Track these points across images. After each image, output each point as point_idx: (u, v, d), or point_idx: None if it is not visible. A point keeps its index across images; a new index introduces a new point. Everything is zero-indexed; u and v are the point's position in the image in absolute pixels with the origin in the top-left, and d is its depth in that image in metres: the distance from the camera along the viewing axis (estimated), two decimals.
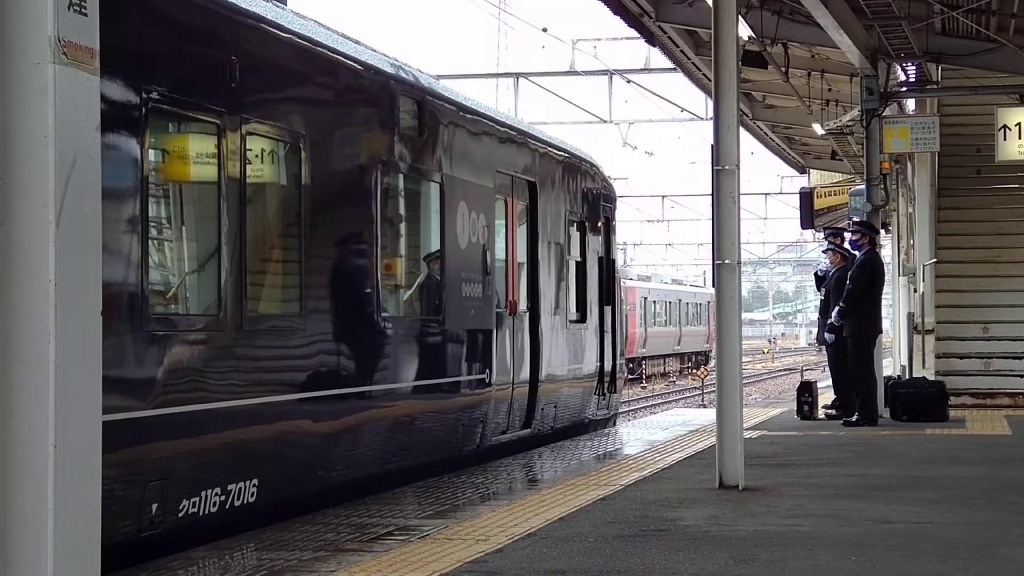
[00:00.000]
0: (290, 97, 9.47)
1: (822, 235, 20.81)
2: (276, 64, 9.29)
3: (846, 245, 17.26)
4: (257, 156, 9.03)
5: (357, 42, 10.98)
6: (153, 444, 7.74)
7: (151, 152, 7.84)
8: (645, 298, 57.00)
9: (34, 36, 3.97)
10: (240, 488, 8.55)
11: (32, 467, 3.95)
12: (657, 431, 15.68)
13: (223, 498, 8.37)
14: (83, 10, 4.07)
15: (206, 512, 8.19)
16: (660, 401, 40.07)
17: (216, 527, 8.21)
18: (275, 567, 7.16)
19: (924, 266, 20.70)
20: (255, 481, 8.70)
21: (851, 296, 16.09)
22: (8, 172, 3.99)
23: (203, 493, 8.17)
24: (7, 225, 3.97)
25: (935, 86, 20.01)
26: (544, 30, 31.65)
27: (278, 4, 9.76)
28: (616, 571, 6.98)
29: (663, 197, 65.99)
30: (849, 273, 16.33)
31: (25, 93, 3.98)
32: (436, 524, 8.58)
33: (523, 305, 14.00)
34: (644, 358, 55.25)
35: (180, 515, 7.96)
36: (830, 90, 23.65)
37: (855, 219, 18.90)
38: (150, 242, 7.79)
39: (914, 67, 19.51)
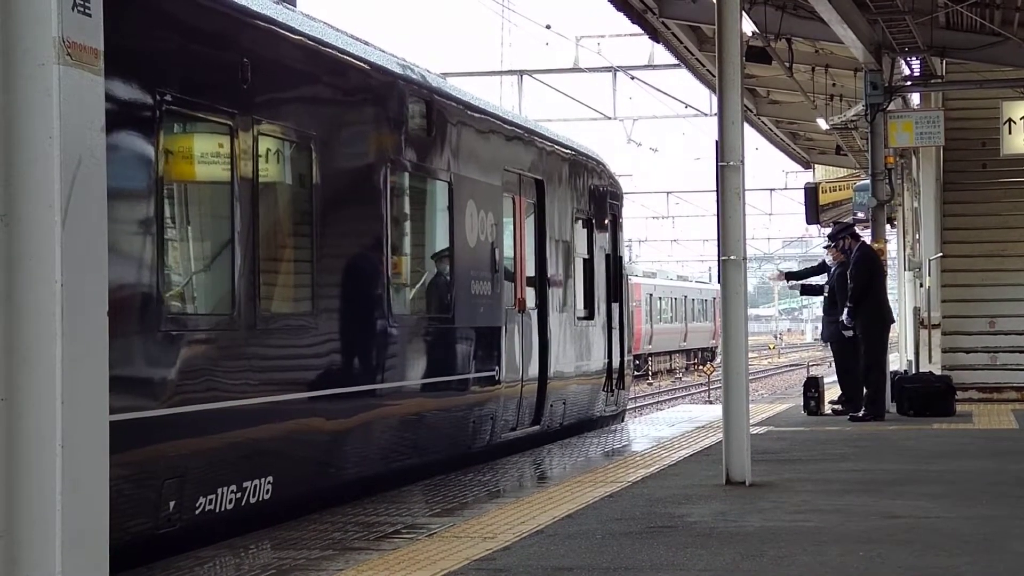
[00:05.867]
0: (301, 98, 9.52)
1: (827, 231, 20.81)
2: (287, 65, 9.34)
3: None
4: (269, 156, 9.08)
5: (366, 43, 11.04)
6: (170, 442, 7.81)
7: (165, 153, 7.89)
8: (651, 295, 56.99)
9: (38, 37, 3.97)
10: (255, 485, 8.60)
11: (40, 467, 3.95)
12: (664, 428, 15.68)
13: (239, 495, 8.43)
14: (87, 11, 4.07)
15: (222, 509, 8.25)
16: (667, 398, 40.07)
17: (232, 524, 8.27)
18: (283, 566, 7.17)
19: (930, 261, 20.67)
20: (270, 478, 8.76)
21: (855, 295, 16.08)
22: (14, 173, 3.99)
23: (219, 491, 8.23)
24: (13, 226, 3.97)
25: (939, 80, 19.99)
26: (548, 27, 31.58)
27: (288, 6, 9.81)
28: (623, 568, 6.98)
29: (668, 193, 66.01)
30: (848, 273, 16.32)
31: (30, 94, 3.98)
32: (443, 522, 8.59)
33: (531, 302, 14.01)
34: (650, 354, 55.26)
35: (196, 512, 8.02)
36: (834, 85, 23.62)
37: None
38: (166, 243, 7.87)
39: (918, 61, 19.51)
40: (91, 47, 4.08)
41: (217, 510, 8.21)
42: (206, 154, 8.66)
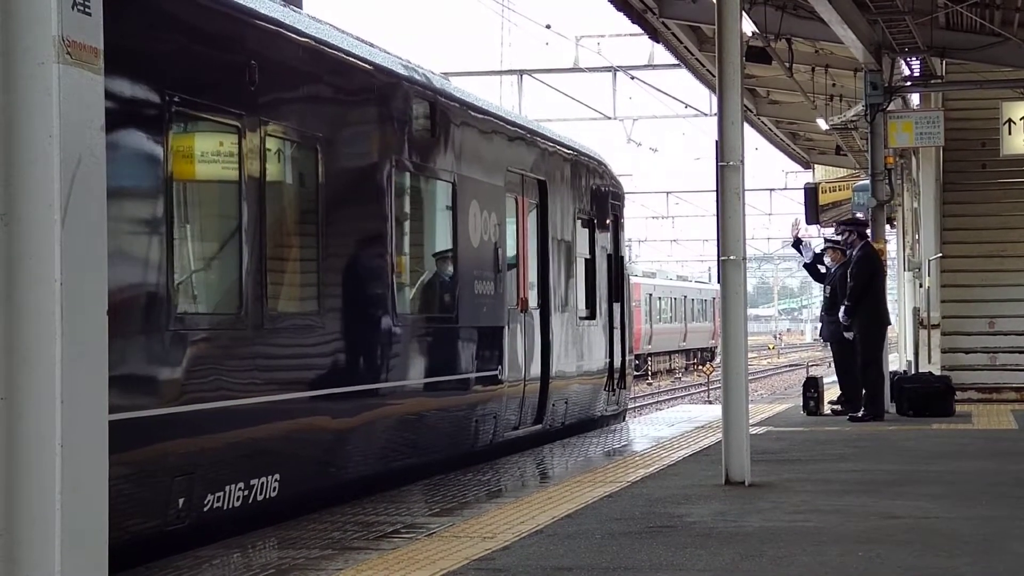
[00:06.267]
0: (307, 99, 9.58)
1: (831, 231, 20.77)
2: (293, 67, 9.40)
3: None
4: (275, 157, 9.14)
5: (371, 44, 11.09)
6: (179, 440, 7.86)
7: (175, 154, 7.94)
8: (650, 295, 56.98)
9: (38, 36, 3.97)
10: (263, 483, 8.65)
11: (39, 467, 3.95)
12: (663, 427, 15.68)
13: (246, 493, 8.48)
14: (87, 10, 4.07)
15: (230, 506, 8.31)
16: (667, 397, 40.07)
17: (239, 521, 8.32)
18: (282, 565, 7.17)
19: (929, 261, 20.67)
20: (277, 476, 8.80)
21: (854, 293, 16.07)
22: (14, 173, 3.99)
23: (227, 488, 8.28)
24: (13, 226, 3.97)
25: (939, 80, 19.98)
26: (548, 27, 31.57)
27: (294, 8, 9.85)
28: (622, 568, 6.98)
29: (667, 193, 66.01)
30: (848, 271, 16.31)
31: (30, 93, 3.98)
32: (443, 522, 8.59)
33: (533, 302, 14.04)
34: (650, 354, 55.25)
35: (205, 509, 8.07)
36: (834, 85, 23.62)
37: (839, 220, 18.81)
38: (175, 242, 7.92)
39: (918, 62, 19.49)
40: (91, 46, 4.08)
41: (225, 507, 8.27)
42: (214, 155, 8.71)
